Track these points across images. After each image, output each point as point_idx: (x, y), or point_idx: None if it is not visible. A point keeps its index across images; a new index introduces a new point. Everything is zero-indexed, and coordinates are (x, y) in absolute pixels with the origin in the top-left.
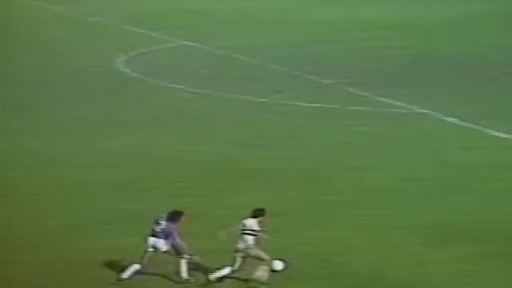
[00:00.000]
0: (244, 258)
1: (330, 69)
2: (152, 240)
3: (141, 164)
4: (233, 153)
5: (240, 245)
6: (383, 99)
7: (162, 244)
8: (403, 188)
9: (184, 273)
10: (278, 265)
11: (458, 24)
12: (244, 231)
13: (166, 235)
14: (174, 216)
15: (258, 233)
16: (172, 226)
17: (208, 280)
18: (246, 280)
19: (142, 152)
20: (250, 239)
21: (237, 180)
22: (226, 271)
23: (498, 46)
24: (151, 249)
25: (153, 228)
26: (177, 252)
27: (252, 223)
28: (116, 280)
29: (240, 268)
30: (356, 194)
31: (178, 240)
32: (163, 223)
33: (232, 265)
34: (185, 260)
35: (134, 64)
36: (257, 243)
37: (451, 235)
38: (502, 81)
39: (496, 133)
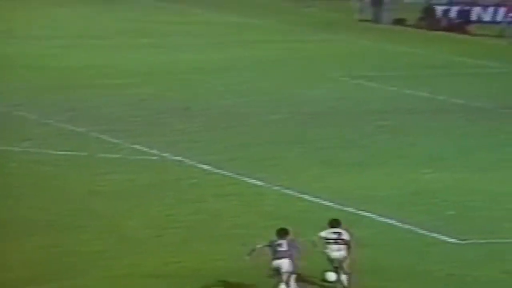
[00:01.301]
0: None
1: (82, 116)
2: (276, 263)
3: None
4: None
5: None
6: (136, 146)
7: (287, 265)
8: (157, 235)
9: None
10: (331, 276)
11: (214, 71)
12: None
13: (290, 255)
14: (282, 234)
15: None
16: (294, 244)
17: None
18: None
19: None
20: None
21: None
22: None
23: (255, 92)
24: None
25: (274, 251)
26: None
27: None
28: None
29: None
30: (110, 243)
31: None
32: (283, 242)
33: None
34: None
35: None
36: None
37: (198, 282)
38: (255, 128)
39: (249, 180)
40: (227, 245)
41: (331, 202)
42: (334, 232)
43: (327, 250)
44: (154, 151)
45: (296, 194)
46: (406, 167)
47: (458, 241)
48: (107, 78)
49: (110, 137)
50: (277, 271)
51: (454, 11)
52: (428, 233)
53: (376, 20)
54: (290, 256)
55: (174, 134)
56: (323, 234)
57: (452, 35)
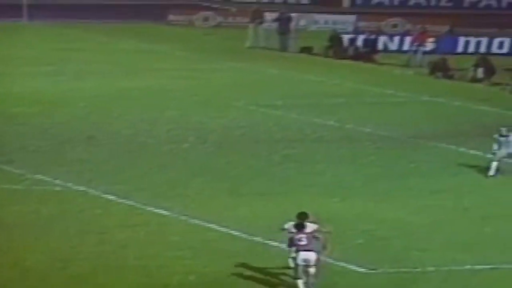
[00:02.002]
0: None
1: None
2: (303, 254)
3: None
4: None
5: None
6: (40, 176)
7: (313, 257)
8: (62, 267)
9: None
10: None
11: (119, 98)
12: None
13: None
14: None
15: None
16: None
17: None
18: None
19: None
20: None
21: None
22: None
23: (160, 121)
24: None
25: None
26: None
27: None
28: None
29: None
30: (13, 277)
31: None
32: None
33: None
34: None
35: None
36: None
37: None
38: (161, 157)
39: (154, 210)
40: (134, 276)
41: (238, 231)
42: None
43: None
44: (58, 182)
45: (203, 223)
46: (314, 196)
47: (368, 271)
48: (7, 107)
49: (13, 168)
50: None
51: (360, 39)
52: (337, 263)
53: (283, 48)
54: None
55: (78, 163)
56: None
57: (359, 64)
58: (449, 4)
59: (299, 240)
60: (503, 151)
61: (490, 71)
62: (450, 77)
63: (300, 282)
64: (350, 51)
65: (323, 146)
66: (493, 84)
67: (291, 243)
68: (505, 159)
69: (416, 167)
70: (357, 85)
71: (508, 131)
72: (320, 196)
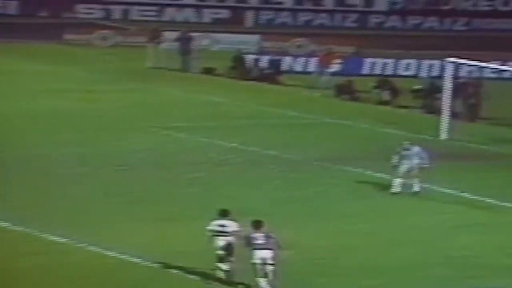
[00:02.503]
0: None
1: None
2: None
3: None
4: None
5: None
6: None
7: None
8: None
9: None
10: None
11: (16, 121)
12: None
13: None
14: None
15: None
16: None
17: None
18: None
19: None
20: None
21: None
22: None
23: (59, 144)
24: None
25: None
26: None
27: None
28: None
29: None
30: None
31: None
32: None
33: None
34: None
35: None
36: None
37: None
38: (59, 182)
39: (52, 237)
40: None
41: (139, 258)
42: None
43: None
44: None
45: (102, 250)
46: None
47: None
48: None
49: None
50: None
51: (264, 60)
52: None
53: (185, 69)
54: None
55: None
56: None
57: (263, 85)
58: (355, 25)
59: (256, 239)
60: (405, 166)
61: (394, 93)
62: (357, 99)
63: (262, 281)
64: (254, 72)
65: (227, 170)
66: (399, 107)
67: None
68: (410, 174)
69: (323, 191)
70: (261, 107)
71: (411, 144)
72: None
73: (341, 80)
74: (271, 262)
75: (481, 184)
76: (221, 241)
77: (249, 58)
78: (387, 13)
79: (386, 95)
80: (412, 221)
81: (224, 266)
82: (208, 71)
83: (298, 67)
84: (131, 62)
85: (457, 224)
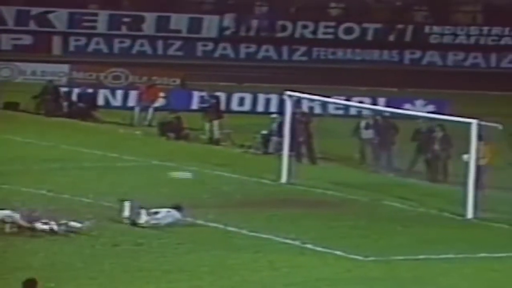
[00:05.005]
0: None
1: None
2: None
3: None
4: None
5: None
6: None
7: None
8: None
9: None
10: None
11: None
12: None
13: None
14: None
15: None
16: None
17: None
18: None
19: None
20: None
21: None
22: None
23: None
24: None
25: None
26: None
27: None
28: None
29: None
30: None
31: None
32: None
33: None
34: None
35: None
36: None
37: None
38: None
39: None
40: None
41: None
42: None
43: None
44: None
45: None
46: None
47: None
48: None
49: None
50: None
51: (75, 93)
52: None
53: None
54: None
55: None
56: None
57: (75, 122)
58: (180, 53)
59: None
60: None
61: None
62: (185, 138)
63: None
64: (65, 107)
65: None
66: (235, 145)
67: None
68: None
69: (146, 244)
70: (74, 147)
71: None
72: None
73: (167, 116)
74: None
75: (327, 234)
76: None
77: (59, 90)
78: (217, 40)
79: (217, 133)
80: (249, 276)
81: None
82: (11, 106)
83: (116, 102)
84: None
85: (294, 281)
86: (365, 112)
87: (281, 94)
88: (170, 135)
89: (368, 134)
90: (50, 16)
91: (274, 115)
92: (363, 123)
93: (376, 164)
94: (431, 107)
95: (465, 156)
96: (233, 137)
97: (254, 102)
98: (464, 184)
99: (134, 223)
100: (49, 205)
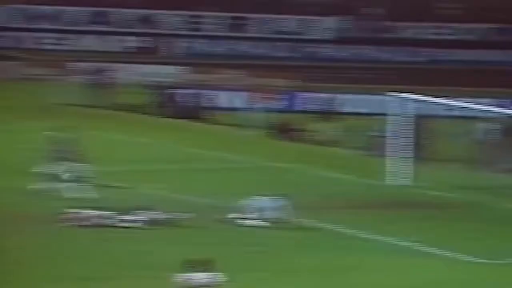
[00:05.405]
0: None
1: None
2: None
3: None
4: None
5: None
6: None
7: None
8: None
9: None
10: None
11: None
12: None
13: None
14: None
15: None
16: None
17: None
18: None
19: None
20: None
21: None
22: None
23: None
24: None
25: None
26: None
27: None
28: None
29: None
30: None
31: None
32: None
33: None
34: None
35: None
36: None
37: None
38: None
39: None
40: None
41: None
42: None
43: None
44: None
45: None
46: None
47: None
48: None
49: None
50: None
51: (188, 95)
52: None
53: (97, 104)
54: None
55: None
56: None
57: (187, 123)
58: (293, 55)
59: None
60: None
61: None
62: (297, 139)
63: None
64: (178, 108)
65: None
66: (348, 147)
67: None
68: None
69: (273, 244)
70: (188, 148)
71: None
72: None
73: (278, 117)
74: None
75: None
76: None
77: (169, 92)
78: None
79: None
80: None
81: None
82: (124, 107)
83: (230, 103)
84: (32, 97)
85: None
86: (484, 114)
87: (395, 95)
88: (282, 136)
89: (488, 136)
90: (161, 18)
91: (386, 117)
92: (482, 125)
93: (495, 165)
94: None
95: None
96: (345, 139)
97: (368, 103)
98: None
99: (252, 223)
100: (173, 205)
